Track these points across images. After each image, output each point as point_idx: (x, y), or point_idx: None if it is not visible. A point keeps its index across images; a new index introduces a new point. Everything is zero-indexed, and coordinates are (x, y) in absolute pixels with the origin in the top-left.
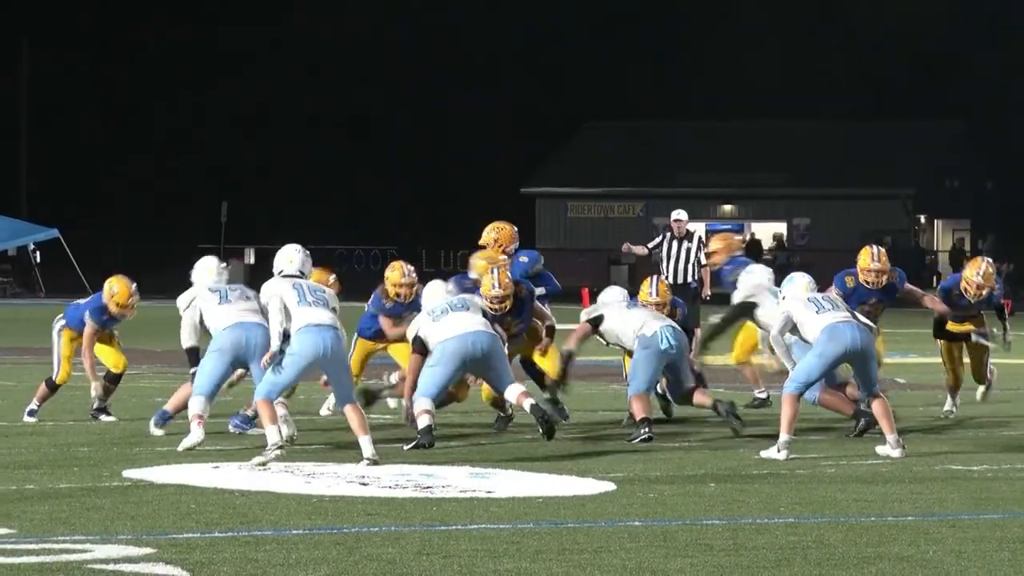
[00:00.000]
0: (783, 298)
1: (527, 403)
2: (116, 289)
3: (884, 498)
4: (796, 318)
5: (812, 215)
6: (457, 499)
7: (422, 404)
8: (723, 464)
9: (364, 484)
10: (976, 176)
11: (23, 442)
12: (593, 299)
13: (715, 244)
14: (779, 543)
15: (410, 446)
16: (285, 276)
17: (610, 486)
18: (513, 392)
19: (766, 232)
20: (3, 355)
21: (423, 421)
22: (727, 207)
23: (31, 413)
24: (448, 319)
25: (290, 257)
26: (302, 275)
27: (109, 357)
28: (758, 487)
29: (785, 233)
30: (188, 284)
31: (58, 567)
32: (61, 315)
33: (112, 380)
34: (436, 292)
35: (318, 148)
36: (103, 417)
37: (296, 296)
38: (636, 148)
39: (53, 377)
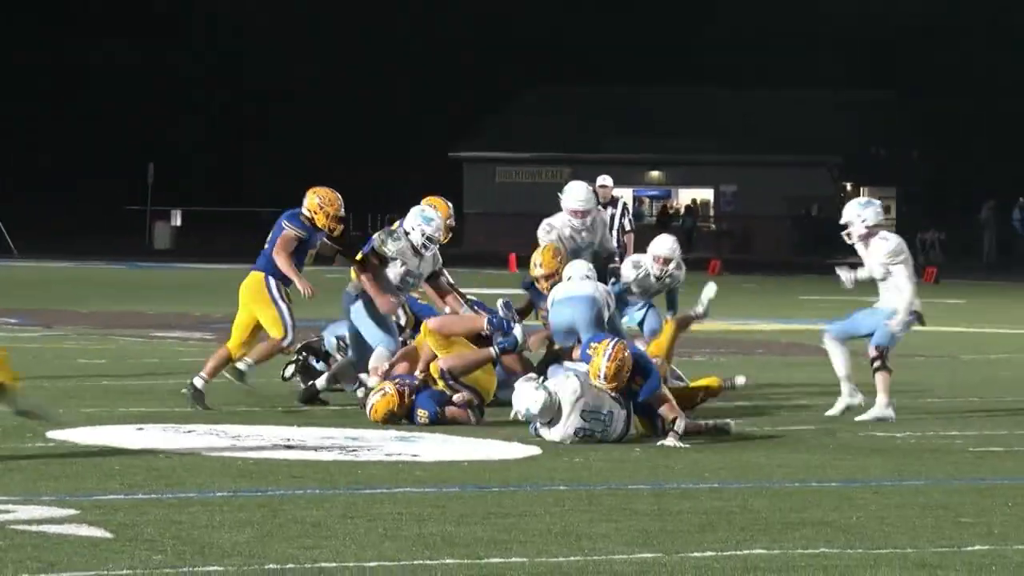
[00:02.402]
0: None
1: None
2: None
3: (808, 464)
4: None
5: (739, 182)
6: (382, 462)
7: None
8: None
9: (289, 447)
10: (903, 145)
11: None
12: (521, 264)
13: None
14: (704, 508)
15: None
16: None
17: (535, 450)
18: None
19: (692, 198)
20: None
21: None
22: (654, 173)
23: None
24: None
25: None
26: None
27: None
28: (683, 453)
29: (712, 199)
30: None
31: None
32: None
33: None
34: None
35: (242, 112)
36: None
37: None
38: (564, 114)
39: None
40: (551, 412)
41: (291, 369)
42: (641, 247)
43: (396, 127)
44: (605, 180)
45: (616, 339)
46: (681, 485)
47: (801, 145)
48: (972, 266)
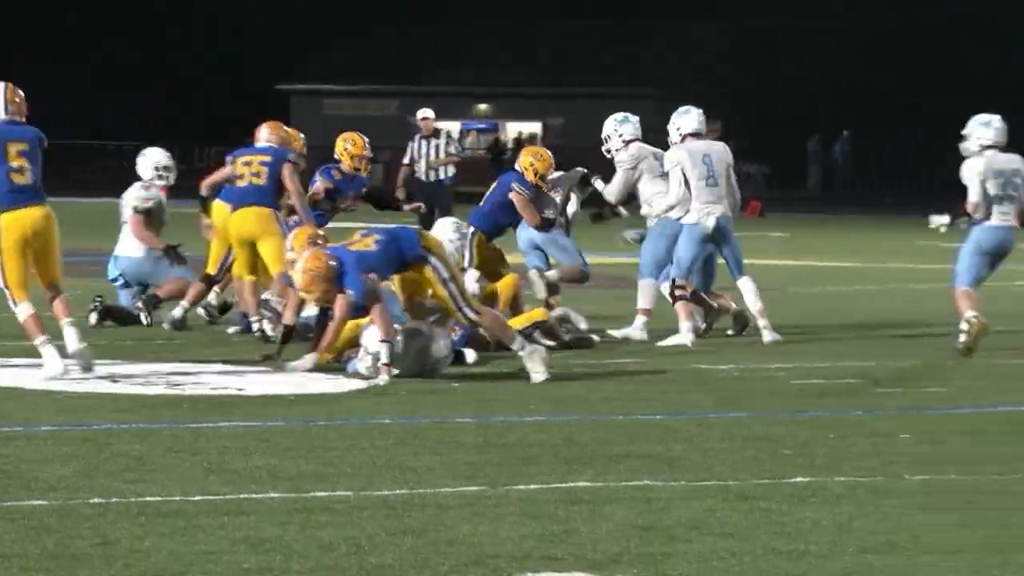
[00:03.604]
0: None
1: None
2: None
3: (633, 397)
4: None
5: (566, 115)
6: (208, 396)
7: None
8: (473, 365)
9: (114, 381)
10: (729, 78)
11: None
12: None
13: None
14: (528, 441)
15: None
16: None
17: (360, 384)
18: None
19: (519, 131)
20: None
21: None
22: (482, 106)
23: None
24: None
25: None
26: None
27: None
28: (508, 385)
29: (540, 132)
30: None
31: None
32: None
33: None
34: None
35: (67, 39)
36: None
37: None
38: (392, 47)
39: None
40: (398, 358)
41: (95, 317)
42: (471, 177)
43: (221, 58)
44: (426, 112)
45: (314, 248)
46: (506, 418)
47: (625, 77)
48: (797, 198)
